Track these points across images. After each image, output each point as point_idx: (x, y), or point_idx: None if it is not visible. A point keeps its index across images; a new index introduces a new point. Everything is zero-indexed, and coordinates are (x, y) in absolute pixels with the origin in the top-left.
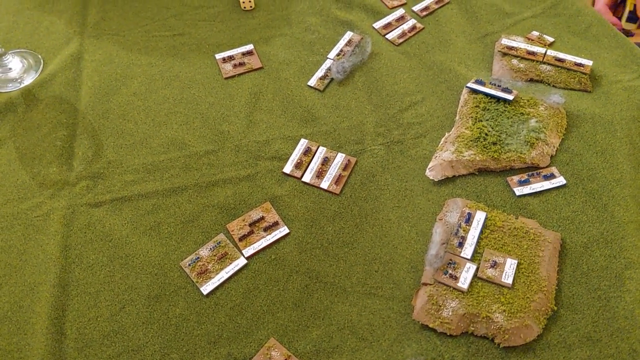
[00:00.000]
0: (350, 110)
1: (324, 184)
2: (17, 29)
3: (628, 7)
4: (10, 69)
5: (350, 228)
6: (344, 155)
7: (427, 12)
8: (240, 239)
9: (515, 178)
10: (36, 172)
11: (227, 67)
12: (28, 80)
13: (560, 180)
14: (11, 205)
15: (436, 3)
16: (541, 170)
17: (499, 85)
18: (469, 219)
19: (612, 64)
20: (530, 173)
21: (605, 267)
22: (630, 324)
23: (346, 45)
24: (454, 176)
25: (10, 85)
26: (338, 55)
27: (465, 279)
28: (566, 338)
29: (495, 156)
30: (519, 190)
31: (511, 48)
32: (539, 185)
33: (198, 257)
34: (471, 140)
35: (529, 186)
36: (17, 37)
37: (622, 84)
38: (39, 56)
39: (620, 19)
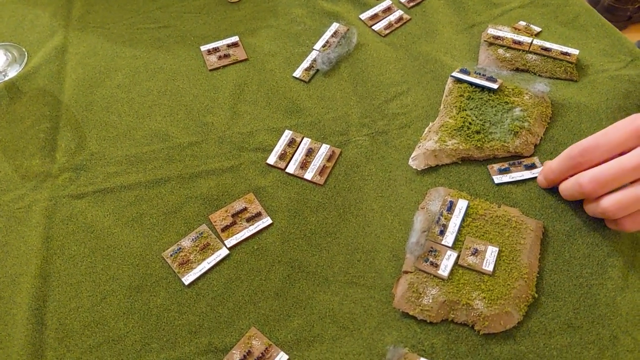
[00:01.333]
0: (336, 101)
1: (308, 175)
2: (1, 22)
3: None
4: None
5: (334, 218)
6: (328, 146)
7: (414, 3)
8: (223, 230)
9: (496, 166)
10: (19, 164)
11: (212, 59)
12: (12, 73)
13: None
14: None
15: None
16: (523, 160)
17: (483, 75)
18: (450, 207)
19: (599, 53)
20: (511, 162)
21: (588, 255)
22: (611, 310)
23: (332, 36)
24: (437, 165)
25: None
26: (324, 46)
27: (445, 266)
28: (547, 325)
29: (479, 145)
30: (497, 179)
31: (497, 38)
32: (519, 174)
33: (180, 248)
34: (455, 130)
35: (508, 175)
36: (1, 30)
37: (608, 73)
38: (23, 49)
39: None
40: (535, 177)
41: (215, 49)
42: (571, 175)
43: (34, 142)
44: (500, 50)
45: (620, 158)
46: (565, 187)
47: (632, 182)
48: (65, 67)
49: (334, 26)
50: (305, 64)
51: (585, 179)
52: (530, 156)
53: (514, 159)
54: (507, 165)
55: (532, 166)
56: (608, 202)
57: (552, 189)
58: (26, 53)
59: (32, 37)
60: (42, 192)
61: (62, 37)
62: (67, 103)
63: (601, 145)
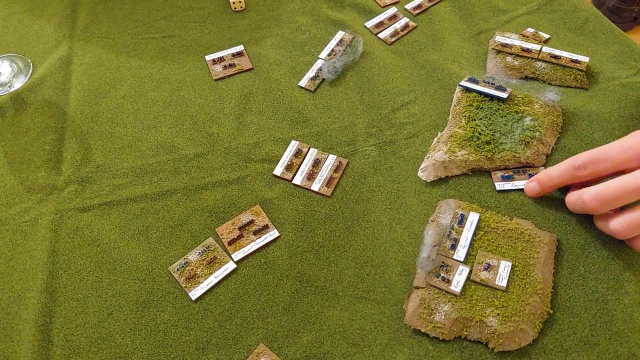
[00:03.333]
0: (342, 111)
1: (315, 186)
2: (6, 33)
3: None
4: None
5: (342, 231)
6: (335, 156)
7: (420, 10)
8: (230, 243)
9: (499, 173)
10: (24, 177)
11: (217, 69)
12: (17, 84)
13: None
14: None
15: (429, 1)
16: (528, 169)
17: (492, 83)
18: (461, 221)
19: (609, 60)
20: (515, 169)
21: (603, 269)
22: (629, 327)
23: (337, 45)
24: (446, 177)
25: (0, 89)
26: (329, 55)
27: (458, 282)
28: (562, 342)
29: (489, 156)
30: (499, 185)
31: (505, 45)
32: (523, 183)
33: (187, 262)
34: (464, 140)
35: (511, 182)
36: (6, 42)
37: (619, 81)
38: (29, 60)
39: None
40: None
41: (220, 59)
42: (572, 186)
43: (40, 154)
44: (509, 58)
45: (622, 177)
46: (570, 202)
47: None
48: (71, 78)
49: (339, 34)
50: (311, 73)
51: (588, 196)
52: (541, 166)
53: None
54: (510, 173)
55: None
56: (617, 225)
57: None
58: (31, 64)
59: (37, 48)
60: (47, 205)
61: (67, 48)
62: (73, 114)
63: (605, 159)
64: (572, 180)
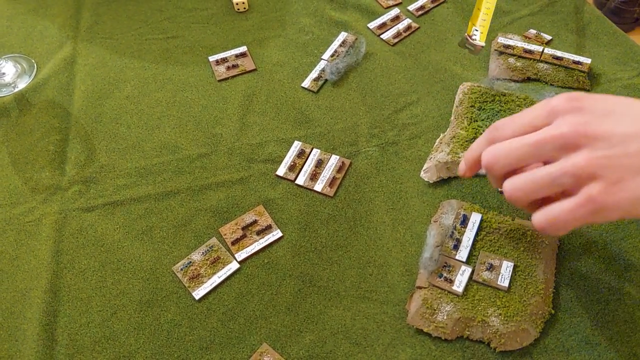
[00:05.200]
0: (345, 112)
1: (318, 187)
2: (10, 33)
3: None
4: (3, 74)
5: (344, 231)
6: (338, 157)
7: (423, 12)
8: (233, 243)
9: None
10: (29, 177)
11: (221, 70)
12: (21, 85)
13: None
14: (3, 211)
15: (432, 2)
16: None
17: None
18: (464, 221)
19: (611, 62)
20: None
21: (605, 270)
22: (630, 327)
23: (340, 46)
24: (449, 177)
25: (4, 90)
26: (332, 56)
27: (460, 282)
28: (564, 342)
29: None
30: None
31: (507, 47)
32: None
33: (190, 262)
34: (467, 141)
35: None
36: (10, 42)
37: (621, 82)
38: (33, 61)
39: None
40: None
41: (224, 59)
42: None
43: (44, 155)
44: (511, 60)
45: (523, 135)
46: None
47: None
48: (74, 78)
49: (342, 35)
50: (314, 74)
51: (485, 152)
52: None
53: None
54: None
55: None
56: (507, 184)
57: None
58: (35, 64)
59: (41, 49)
60: (52, 205)
61: (71, 49)
62: (77, 115)
63: (514, 120)
64: (486, 145)
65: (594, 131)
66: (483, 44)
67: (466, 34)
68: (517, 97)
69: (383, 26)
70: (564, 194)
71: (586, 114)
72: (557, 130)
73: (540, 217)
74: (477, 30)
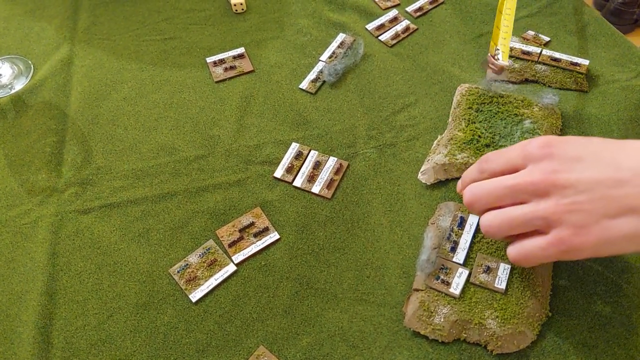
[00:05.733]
0: (343, 113)
1: (316, 189)
2: (7, 35)
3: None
4: (0, 75)
5: (342, 233)
6: (335, 159)
7: (421, 13)
8: (230, 245)
9: None
10: (25, 178)
11: (218, 71)
12: (18, 86)
13: None
14: None
15: (430, 3)
16: None
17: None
18: (461, 223)
19: (609, 63)
20: None
21: (601, 272)
22: (627, 330)
23: (338, 47)
24: (446, 179)
25: (1, 91)
26: (330, 57)
27: (457, 284)
28: (561, 345)
29: None
30: None
31: None
32: None
33: (187, 264)
34: (464, 143)
35: None
36: (7, 43)
37: (619, 84)
38: (30, 62)
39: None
40: None
41: (221, 61)
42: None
43: (40, 156)
44: (509, 61)
45: (501, 177)
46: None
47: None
48: (71, 79)
49: (340, 37)
50: (312, 75)
51: (467, 190)
52: None
53: None
54: None
55: None
56: (484, 219)
57: None
58: (32, 66)
59: (38, 50)
60: (48, 207)
61: (68, 50)
62: (73, 116)
63: (498, 156)
64: (476, 174)
65: (562, 180)
66: (506, 63)
67: (489, 54)
68: (514, 98)
69: (381, 27)
70: (536, 230)
71: (556, 160)
72: (529, 177)
73: (514, 250)
74: (498, 49)
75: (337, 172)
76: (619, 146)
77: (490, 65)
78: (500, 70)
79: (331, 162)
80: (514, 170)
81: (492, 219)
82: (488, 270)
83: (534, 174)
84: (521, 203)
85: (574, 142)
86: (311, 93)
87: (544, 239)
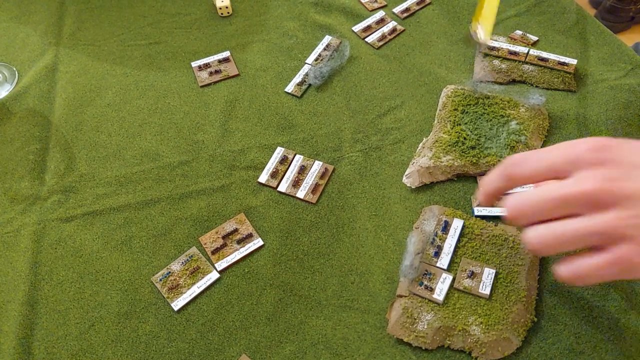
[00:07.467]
0: (328, 117)
1: (300, 194)
2: None
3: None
4: None
5: (327, 238)
6: (321, 163)
7: (408, 14)
8: (213, 252)
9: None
10: (7, 187)
11: (203, 75)
12: (2, 93)
13: None
14: None
15: (417, 4)
16: None
17: None
18: (445, 227)
19: (598, 62)
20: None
21: None
22: (614, 334)
23: (324, 49)
24: (431, 183)
25: None
26: (316, 60)
27: (441, 290)
28: (547, 351)
29: (474, 161)
30: (477, 211)
31: (492, 48)
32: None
33: (169, 272)
34: (449, 145)
35: (487, 209)
36: None
37: (608, 83)
38: (14, 69)
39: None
40: None
41: (207, 65)
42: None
43: (23, 164)
44: (496, 62)
45: (546, 186)
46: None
47: (564, 218)
48: (56, 86)
49: (327, 39)
50: (298, 78)
51: (508, 203)
52: None
53: None
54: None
55: None
56: (530, 235)
57: None
58: (17, 72)
59: (23, 56)
60: (30, 215)
61: (52, 56)
62: (57, 123)
63: (533, 159)
64: (504, 181)
65: (622, 189)
66: (487, 40)
67: (471, 31)
68: (500, 99)
69: (368, 29)
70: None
71: (613, 167)
72: (583, 187)
73: (567, 271)
74: (480, 26)
75: (322, 176)
76: None
77: (473, 42)
78: (483, 47)
79: (316, 166)
80: (554, 176)
81: (540, 236)
82: (472, 275)
83: (587, 183)
84: (573, 216)
85: (632, 146)
86: (297, 96)
87: (602, 258)
